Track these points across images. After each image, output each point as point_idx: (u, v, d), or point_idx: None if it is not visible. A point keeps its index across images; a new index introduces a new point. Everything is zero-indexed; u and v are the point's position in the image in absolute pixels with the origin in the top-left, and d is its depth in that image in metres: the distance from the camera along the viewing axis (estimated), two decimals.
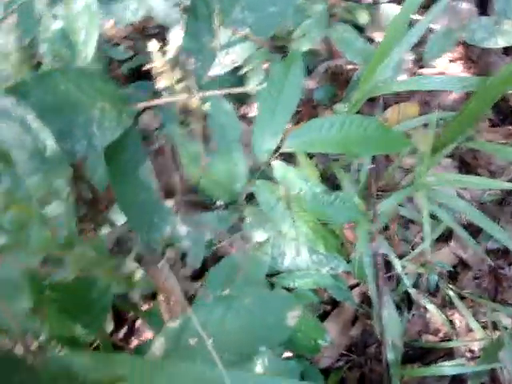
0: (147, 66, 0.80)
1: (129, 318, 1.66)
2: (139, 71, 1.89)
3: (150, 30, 1.91)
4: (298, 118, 1.88)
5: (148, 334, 1.63)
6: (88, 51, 0.67)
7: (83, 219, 1.16)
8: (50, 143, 0.50)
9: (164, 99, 0.60)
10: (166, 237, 0.58)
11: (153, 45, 0.82)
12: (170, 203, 0.59)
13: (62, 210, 0.48)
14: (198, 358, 0.68)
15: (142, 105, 0.61)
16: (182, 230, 0.58)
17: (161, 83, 0.74)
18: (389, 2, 1.70)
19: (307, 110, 1.89)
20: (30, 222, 0.45)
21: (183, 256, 0.96)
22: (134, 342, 1.59)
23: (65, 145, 0.54)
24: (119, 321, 1.65)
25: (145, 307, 1.59)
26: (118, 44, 1.73)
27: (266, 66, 1.72)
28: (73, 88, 0.56)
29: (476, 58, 1.90)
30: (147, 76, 0.82)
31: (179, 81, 0.71)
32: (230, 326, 0.72)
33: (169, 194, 1.72)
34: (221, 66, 0.63)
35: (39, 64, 0.70)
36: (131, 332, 1.65)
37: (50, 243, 0.35)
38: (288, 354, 1.42)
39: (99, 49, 1.28)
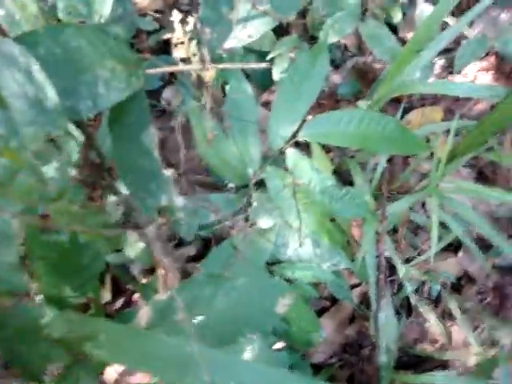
0: (167, 35, 0.79)
1: (127, 290, 1.66)
2: (166, 45, 1.88)
3: (183, 6, 1.90)
4: (320, 110, 1.86)
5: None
6: (104, 11, 0.66)
7: (92, 186, 1.16)
8: (51, 95, 0.49)
9: (175, 67, 0.59)
10: (161, 205, 0.57)
11: (175, 15, 0.80)
12: (170, 172, 0.58)
13: (57, 164, 0.47)
14: (181, 334, 0.67)
15: (153, 70, 0.60)
16: (179, 201, 0.57)
17: (178, 53, 0.73)
18: (426, 2, 1.66)
19: (330, 104, 1.87)
20: (20, 170, 0.44)
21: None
22: None
23: (69, 102, 0.53)
24: (118, 291, 1.65)
25: (144, 281, 1.59)
26: (145, 14, 1.72)
27: (292, 54, 1.70)
28: (85, 44, 0.55)
29: (507, 69, 1.87)
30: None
31: (195, 53, 0.70)
32: (219, 306, 0.71)
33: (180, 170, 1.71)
34: (236, 39, 0.61)
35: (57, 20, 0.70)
36: (128, 304, 1.65)
37: (35, 193, 0.34)
38: (281, 344, 1.41)
39: (126, 15, 1.27)
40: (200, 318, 0.69)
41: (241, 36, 0.60)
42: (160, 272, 1.09)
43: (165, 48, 1.88)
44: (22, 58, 0.49)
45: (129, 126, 0.58)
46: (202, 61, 0.61)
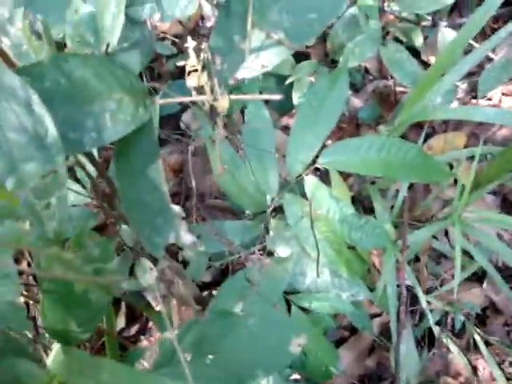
0: (181, 63, 0.77)
1: (142, 316, 1.63)
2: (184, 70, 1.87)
3: (203, 30, 1.89)
4: (340, 134, 1.83)
5: (159, 336, 1.60)
6: (113, 39, 0.64)
7: (105, 214, 1.13)
8: (51, 129, 0.47)
9: (187, 98, 0.57)
10: (168, 243, 0.54)
11: (190, 41, 0.78)
12: (177, 208, 0.55)
13: (55, 202, 0.44)
14: (190, 374, 0.64)
15: (161, 101, 0.58)
16: (188, 238, 0.54)
17: (191, 82, 0.71)
18: (448, 27, 1.63)
19: (350, 128, 1.84)
20: (14, 212, 0.42)
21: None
22: (144, 343, 1.56)
23: (72, 135, 0.51)
24: (133, 317, 1.62)
25: (159, 308, 1.56)
26: (164, 39, 1.71)
27: (312, 78, 1.68)
28: (90, 75, 0.53)
29: None
30: None
31: (207, 82, 0.67)
32: (229, 345, 0.68)
33: (200, 195, 1.69)
34: (249, 69, 0.59)
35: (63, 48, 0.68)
36: (143, 331, 1.62)
37: (21, 238, 0.32)
38: (297, 376, 1.37)
39: (144, 39, 1.26)
40: (209, 357, 0.66)
41: (254, 66, 0.58)
42: (174, 301, 1.07)
43: (184, 72, 1.87)
44: (21, 90, 0.47)
45: (135, 159, 0.55)
46: (213, 91, 0.59)
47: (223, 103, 0.58)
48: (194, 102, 1.38)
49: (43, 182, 0.45)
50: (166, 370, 0.65)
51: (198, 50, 0.76)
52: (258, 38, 0.59)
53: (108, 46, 0.68)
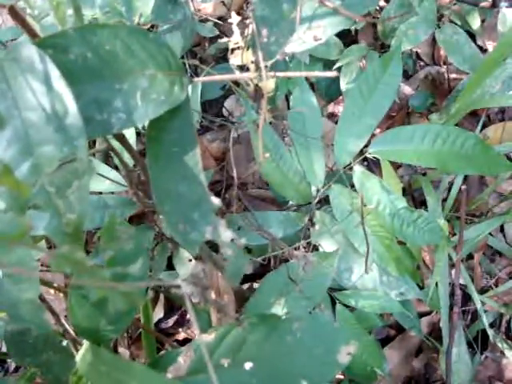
0: (224, 40, 0.71)
1: (181, 307, 1.59)
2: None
3: (247, 11, 1.83)
4: (389, 124, 1.75)
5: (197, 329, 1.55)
6: (146, 8, 0.58)
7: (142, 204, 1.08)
8: (72, 108, 0.41)
9: (229, 76, 0.51)
10: (204, 240, 0.48)
11: (234, 17, 0.72)
12: (216, 200, 0.49)
13: (75, 191, 0.39)
14: (227, 382, 0.58)
15: (200, 79, 0.51)
16: (226, 235, 0.48)
17: (234, 60, 0.65)
18: (510, 7, 1.52)
19: (400, 117, 1.75)
20: (29, 201, 0.36)
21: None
22: (182, 335, 1.52)
23: (99, 116, 0.46)
24: (170, 308, 1.58)
25: (195, 300, 1.52)
26: (206, 21, 1.65)
27: (360, 63, 1.60)
28: (120, 48, 0.47)
29: None
30: None
31: (253, 60, 0.61)
32: (271, 351, 0.62)
33: (242, 185, 1.63)
34: (299, 42, 0.52)
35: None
36: (181, 322, 1.58)
37: (25, 234, 0.26)
38: (339, 376, 1.30)
39: (185, 21, 1.20)
40: (248, 364, 0.60)
41: (305, 38, 0.51)
42: (213, 295, 1.01)
43: (227, 56, 1.81)
44: (40, 63, 0.41)
45: (169, 145, 0.49)
46: (258, 68, 0.52)
47: (269, 83, 0.52)
48: (237, 84, 1.33)
49: (62, 169, 0.39)
50: (200, 376, 0.60)
51: (242, 26, 0.70)
52: (309, 7, 0.52)
53: (141, 16, 0.62)
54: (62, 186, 0.39)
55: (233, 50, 0.69)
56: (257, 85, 0.60)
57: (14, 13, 0.47)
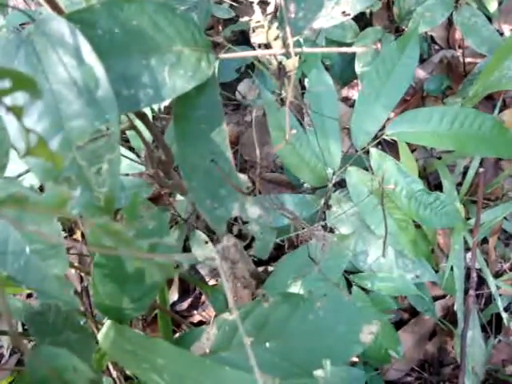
0: (245, 18, 0.71)
1: (195, 289, 1.59)
2: (243, 36, 1.80)
3: None
4: (404, 107, 1.73)
5: (212, 311, 1.56)
6: None
7: (160, 184, 1.08)
8: (103, 82, 0.41)
9: (254, 52, 0.50)
10: (232, 216, 0.48)
11: None
12: (243, 176, 0.48)
13: (106, 166, 0.39)
14: (249, 361, 0.58)
15: (229, 55, 0.51)
16: (254, 211, 0.48)
17: (257, 38, 0.64)
18: None
19: (415, 101, 1.74)
20: (59, 175, 0.36)
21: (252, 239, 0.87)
22: (196, 317, 1.52)
23: (126, 91, 0.45)
24: (185, 291, 1.59)
25: (212, 282, 1.52)
26: (221, 3, 1.64)
27: (375, 46, 1.59)
28: (147, 24, 0.47)
29: None
30: (250, 43, 0.72)
31: (276, 37, 0.61)
32: (294, 330, 0.62)
33: (252, 169, 1.63)
34: (327, 17, 0.51)
35: None
36: (196, 304, 1.58)
37: (65, 204, 0.26)
38: (354, 359, 1.31)
39: (201, 2, 1.19)
40: (271, 343, 0.60)
41: (333, 14, 0.51)
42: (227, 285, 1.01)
43: (242, 39, 1.80)
44: (71, 37, 0.41)
45: (197, 122, 0.49)
46: (285, 45, 0.52)
47: (294, 60, 0.51)
48: (252, 70, 1.32)
49: (93, 143, 0.39)
50: (224, 354, 0.60)
51: (263, 4, 0.69)
52: None
53: None
54: (93, 160, 0.39)
55: (254, 28, 0.68)
56: (280, 62, 0.59)
57: None
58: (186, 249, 1.25)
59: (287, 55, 0.50)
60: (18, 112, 0.31)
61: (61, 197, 0.27)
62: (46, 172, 0.38)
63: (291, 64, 0.53)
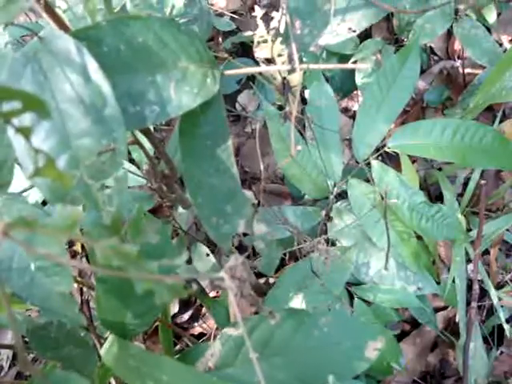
0: (248, 33, 0.71)
1: (196, 301, 1.59)
2: (243, 48, 1.81)
3: (262, 7, 1.82)
4: (404, 118, 1.74)
5: (213, 323, 1.55)
6: (177, 0, 0.58)
7: (162, 197, 1.08)
8: (110, 100, 0.41)
9: (259, 68, 0.50)
10: (238, 233, 0.48)
11: (257, 10, 0.72)
12: (249, 193, 0.48)
13: (113, 183, 0.39)
14: (255, 377, 0.58)
15: (234, 71, 0.51)
16: (260, 228, 0.48)
17: (260, 53, 0.64)
18: None
19: (415, 112, 1.74)
20: (67, 194, 0.36)
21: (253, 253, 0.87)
22: (197, 329, 1.52)
23: (132, 108, 0.45)
24: (185, 303, 1.58)
25: (213, 294, 1.52)
26: (221, 15, 1.65)
27: (374, 57, 1.59)
28: (153, 40, 0.47)
29: None
30: (250, 55, 0.72)
31: (281, 53, 0.61)
32: (299, 345, 0.62)
33: (256, 180, 1.63)
34: (333, 34, 0.51)
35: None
36: (196, 316, 1.58)
37: (75, 225, 0.26)
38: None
39: (202, 15, 1.20)
40: (276, 359, 0.60)
41: (339, 30, 0.51)
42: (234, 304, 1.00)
43: (242, 51, 1.81)
44: (77, 55, 0.41)
45: (202, 138, 0.49)
46: (290, 60, 0.52)
47: (299, 75, 0.51)
48: (253, 82, 1.32)
49: (100, 161, 0.39)
50: (229, 370, 0.60)
51: (266, 20, 0.69)
52: None
53: (173, 8, 0.62)
54: (97, 175, 0.39)
55: (258, 43, 0.69)
56: (285, 78, 0.60)
57: (45, 6, 0.47)
58: (187, 261, 1.24)
59: (292, 71, 0.50)
60: (26, 132, 0.30)
61: (71, 218, 0.27)
62: (53, 191, 0.38)
63: (296, 79, 0.53)
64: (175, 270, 0.36)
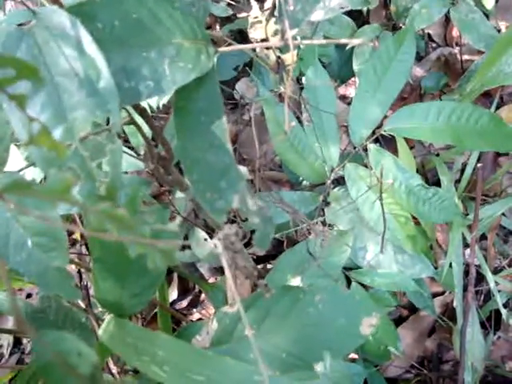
0: (242, 14, 0.71)
1: (195, 287, 1.60)
2: (241, 36, 1.81)
3: None
4: (402, 105, 1.74)
5: (211, 309, 1.56)
6: None
7: (160, 181, 1.08)
8: (104, 72, 0.42)
9: (252, 45, 0.50)
10: (232, 208, 0.48)
11: None
12: (243, 169, 0.49)
13: (108, 156, 0.39)
14: (250, 353, 0.59)
15: (225, 48, 0.51)
16: (254, 203, 0.48)
17: (255, 34, 0.65)
18: None
19: (413, 98, 1.74)
20: (64, 164, 0.37)
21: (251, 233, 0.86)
22: (196, 316, 1.53)
23: (127, 83, 0.46)
24: (185, 289, 1.59)
25: (212, 280, 1.53)
26: (218, 1, 1.64)
27: (371, 44, 1.59)
28: (147, 16, 0.47)
29: None
30: (248, 42, 0.72)
31: (275, 32, 0.61)
32: (295, 322, 0.62)
33: (254, 166, 1.63)
34: (325, 9, 0.51)
35: None
36: (195, 302, 1.58)
37: (68, 189, 0.27)
38: (353, 355, 1.31)
39: (199, 1, 1.19)
40: (272, 336, 0.60)
41: (331, 6, 0.51)
42: (229, 275, 1.01)
43: (239, 38, 1.81)
44: (72, 29, 0.41)
45: (197, 114, 0.49)
46: (283, 38, 0.52)
47: (293, 54, 0.52)
48: (250, 68, 1.32)
49: (95, 137, 0.39)
50: (225, 347, 0.60)
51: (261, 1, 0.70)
52: None
53: None
54: (94, 154, 0.40)
55: (252, 24, 0.69)
56: (279, 56, 0.60)
57: None
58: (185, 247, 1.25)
59: (285, 48, 0.51)
60: (21, 100, 0.31)
61: (65, 182, 0.27)
62: (48, 161, 0.38)
63: (289, 57, 0.53)
64: (168, 236, 0.36)
